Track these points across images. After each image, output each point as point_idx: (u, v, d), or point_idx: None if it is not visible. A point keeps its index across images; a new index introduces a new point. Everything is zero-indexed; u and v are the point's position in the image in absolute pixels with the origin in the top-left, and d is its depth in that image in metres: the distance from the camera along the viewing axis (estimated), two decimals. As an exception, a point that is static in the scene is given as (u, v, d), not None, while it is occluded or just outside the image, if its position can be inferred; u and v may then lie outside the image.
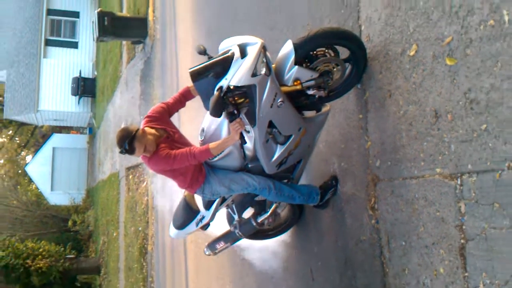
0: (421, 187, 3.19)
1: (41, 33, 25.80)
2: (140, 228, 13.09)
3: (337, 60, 3.79)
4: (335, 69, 3.80)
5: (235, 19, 6.41)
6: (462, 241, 2.84)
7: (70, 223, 26.19)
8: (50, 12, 26.34)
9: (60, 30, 26.79)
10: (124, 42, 17.67)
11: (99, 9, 14.40)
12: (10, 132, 38.13)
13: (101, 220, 22.27)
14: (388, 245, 3.59)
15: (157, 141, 3.89)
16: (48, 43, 26.33)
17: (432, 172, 3.08)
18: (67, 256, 20.88)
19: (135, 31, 14.08)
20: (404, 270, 3.41)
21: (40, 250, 19.74)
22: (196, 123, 4.18)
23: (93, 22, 13.75)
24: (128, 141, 3.75)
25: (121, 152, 3.88)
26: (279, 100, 3.60)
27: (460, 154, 2.84)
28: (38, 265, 19.00)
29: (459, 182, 2.85)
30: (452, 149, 2.90)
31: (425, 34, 3.12)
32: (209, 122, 3.95)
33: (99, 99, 24.80)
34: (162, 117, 4.07)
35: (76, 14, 26.85)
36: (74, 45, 26.86)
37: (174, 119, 4.31)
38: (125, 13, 17.69)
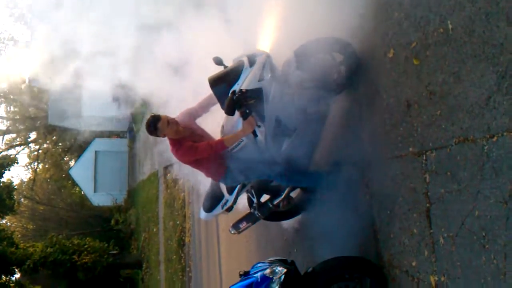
0: (399, 164, 3.90)
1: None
2: (178, 222, 14.04)
3: (333, 64, 4.52)
4: (332, 72, 4.53)
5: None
6: (427, 205, 3.54)
7: (112, 222, 27.35)
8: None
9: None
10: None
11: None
12: (54, 137, 39.44)
13: (142, 218, 23.41)
14: (379, 215, 4.30)
15: (179, 131, 4.63)
16: (88, 51, 27.65)
17: (406, 151, 3.79)
18: (111, 252, 21.90)
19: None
20: (390, 234, 4.11)
21: (85, 246, 20.69)
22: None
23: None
24: (153, 123, 4.55)
25: (149, 133, 4.65)
26: (284, 99, 4.36)
27: (424, 135, 3.54)
28: (83, 260, 19.89)
29: (424, 158, 3.56)
30: (419, 132, 3.60)
31: (399, 39, 3.83)
32: (227, 121, 4.73)
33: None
34: (187, 121, 4.82)
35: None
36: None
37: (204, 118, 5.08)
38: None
